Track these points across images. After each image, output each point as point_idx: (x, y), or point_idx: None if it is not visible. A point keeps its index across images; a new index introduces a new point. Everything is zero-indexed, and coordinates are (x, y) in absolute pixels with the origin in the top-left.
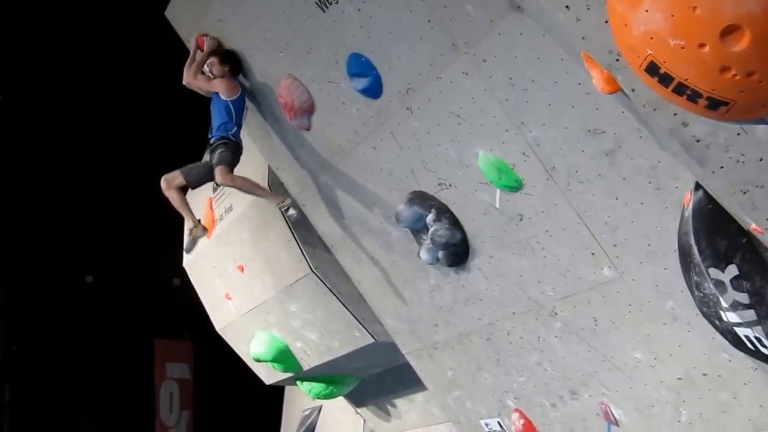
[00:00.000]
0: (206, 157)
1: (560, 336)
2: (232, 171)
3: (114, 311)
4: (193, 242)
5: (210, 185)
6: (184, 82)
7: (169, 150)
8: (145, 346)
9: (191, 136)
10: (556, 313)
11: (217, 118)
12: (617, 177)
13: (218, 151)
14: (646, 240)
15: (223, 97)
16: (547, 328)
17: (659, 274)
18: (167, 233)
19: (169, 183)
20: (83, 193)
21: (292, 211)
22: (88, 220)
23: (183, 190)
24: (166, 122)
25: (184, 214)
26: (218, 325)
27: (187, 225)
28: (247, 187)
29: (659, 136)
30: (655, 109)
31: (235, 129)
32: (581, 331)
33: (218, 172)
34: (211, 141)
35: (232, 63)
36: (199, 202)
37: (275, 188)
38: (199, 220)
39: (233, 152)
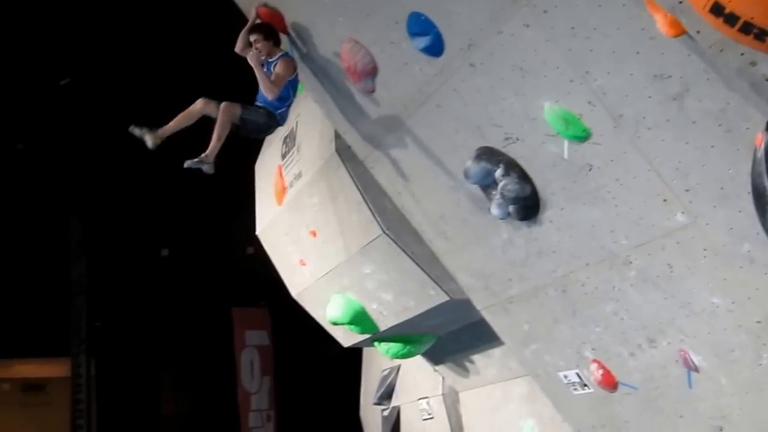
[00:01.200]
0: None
1: (635, 284)
2: (237, 116)
3: (191, 283)
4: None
5: (279, 153)
6: (236, 50)
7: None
8: (223, 315)
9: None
10: (630, 262)
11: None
12: (686, 121)
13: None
14: (718, 183)
15: (274, 68)
16: (621, 277)
17: (733, 217)
18: (239, 203)
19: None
20: (154, 168)
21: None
22: (161, 195)
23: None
24: (238, 95)
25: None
26: (294, 291)
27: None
28: (219, 129)
29: (727, 78)
30: (721, 50)
31: (284, 110)
32: (656, 278)
33: (225, 104)
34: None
35: (275, 37)
36: (269, 170)
37: (343, 152)
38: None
39: (265, 122)
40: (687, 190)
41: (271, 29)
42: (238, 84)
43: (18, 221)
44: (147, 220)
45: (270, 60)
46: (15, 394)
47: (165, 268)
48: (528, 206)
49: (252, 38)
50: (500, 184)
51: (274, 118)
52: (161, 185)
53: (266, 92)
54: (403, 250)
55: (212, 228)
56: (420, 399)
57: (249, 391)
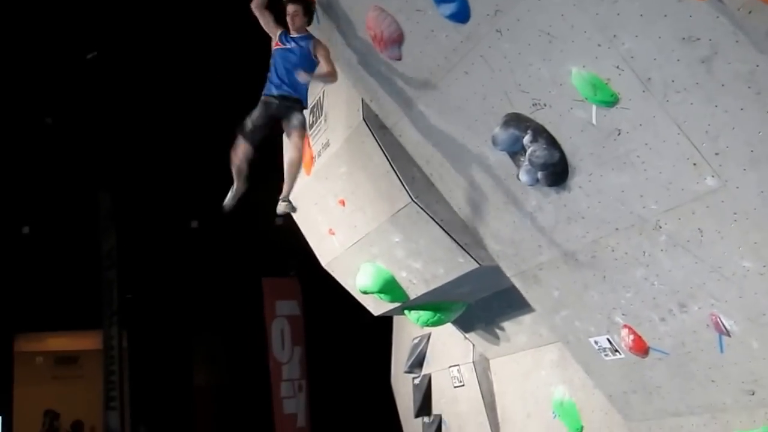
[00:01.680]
0: (261, 110)
1: (666, 249)
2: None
3: (220, 254)
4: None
5: (306, 122)
6: (252, 6)
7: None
8: (253, 285)
9: None
10: (660, 227)
11: (290, 71)
12: (715, 84)
13: (295, 113)
14: (748, 146)
15: (318, 55)
16: (651, 242)
17: (764, 180)
18: (267, 174)
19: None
20: (182, 140)
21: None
22: (189, 167)
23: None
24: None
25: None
26: (324, 261)
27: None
28: (292, 168)
29: (756, 40)
30: (750, 12)
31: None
32: (687, 243)
33: (297, 135)
34: (277, 95)
35: (311, 14)
36: None
37: (370, 120)
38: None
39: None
40: (717, 154)
41: (311, 4)
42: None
43: (48, 196)
44: (176, 192)
45: (294, 36)
46: (48, 367)
47: (195, 239)
48: (556, 172)
49: (291, 8)
50: (528, 151)
51: (300, 103)
52: (190, 157)
53: (329, 78)
54: (432, 218)
55: (241, 199)
56: (451, 367)
57: (280, 361)
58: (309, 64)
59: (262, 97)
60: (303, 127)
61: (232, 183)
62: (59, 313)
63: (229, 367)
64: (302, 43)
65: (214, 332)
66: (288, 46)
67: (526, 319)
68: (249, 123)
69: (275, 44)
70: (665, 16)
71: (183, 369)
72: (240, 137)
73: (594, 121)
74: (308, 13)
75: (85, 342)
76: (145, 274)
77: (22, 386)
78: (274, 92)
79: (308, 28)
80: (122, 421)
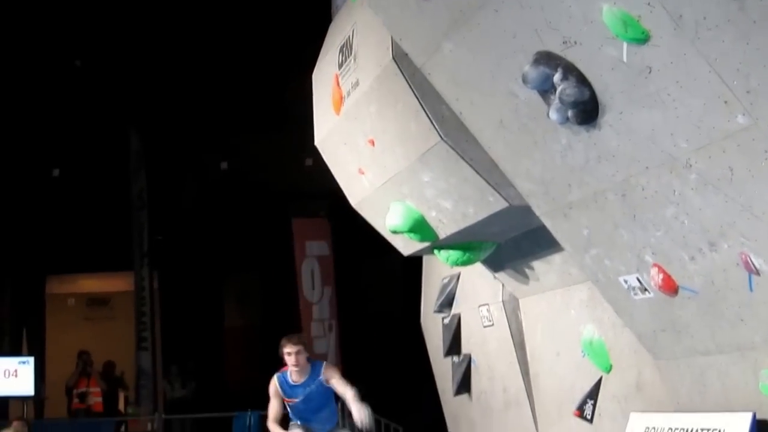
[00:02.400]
0: None
1: (696, 188)
2: None
3: (250, 195)
4: None
5: (336, 62)
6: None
7: (291, 37)
8: (283, 226)
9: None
10: (690, 165)
11: (327, 417)
12: (747, 21)
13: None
14: None
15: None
16: (682, 180)
17: None
18: (296, 114)
19: None
20: (212, 80)
21: None
22: (219, 107)
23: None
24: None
25: None
26: (353, 201)
27: None
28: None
29: None
30: None
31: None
32: (717, 181)
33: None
34: None
35: (309, 345)
36: (326, 79)
37: (400, 59)
38: None
39: None
40: (748, 92)
41: (305, 340)
42: None
43: (77, 138)
44: (206, 132)
45: (303, 381)
46: (80, 308)
47: (224, 180)
48: (587, 110)
49: (293, 348)
50: (559, 89)
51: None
52: (219, 97)
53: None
54: (462, 157)
55: (270, 140)
56: (480, 306)
57: (310, 301)
58: (328, 396)
59: None
60: None
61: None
62: (90, 255)
63: (259, 308)
64: (315, 382)
65: (245, 273)
66: (303, 395)
67: (556, 258)
68: None
69: (287, 400)
70: None
71: (214, 310)
72: None
73: (625, 59)
74: (308, 349)
75: (117, 283)
76: (175, 215)
77: (54, 328)
78: None
79: None
80: (154, 362)
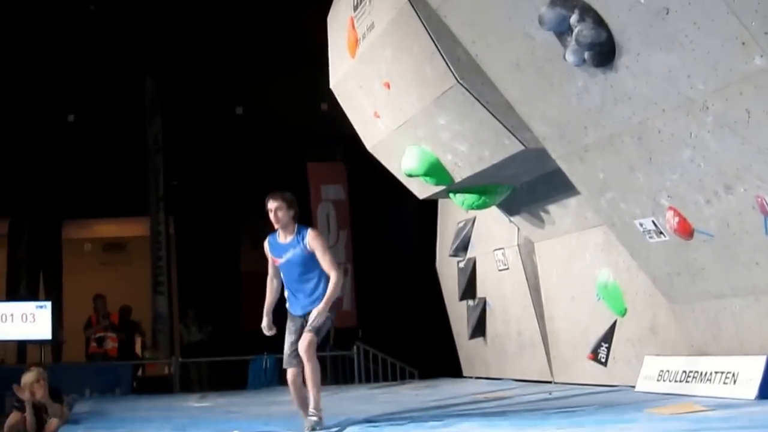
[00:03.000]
0: (291, 325)
1: (712, 130)
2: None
3: (266, 139)
4: None
5: (351, 4)
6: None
7: None
8: (299, 170)
9: None
10: (707, 107)
11: (309, 286)
12: None
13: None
14: None
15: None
16: (698, 123)
17: None
18: (311, 59)
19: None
20: (226, 25)
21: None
22: (234, 52)
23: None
24: None
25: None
26: (369, 144)
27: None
28: (313, 376)
29: None
30: None
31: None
32: (734, 124)
33: (309, 340)
34: (302, 314)
35: (296, 207)
36: (341, 22)
37: (416, 1)
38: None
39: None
40: (766, 33)
41: (292, 199)
42: None
43: (92, 83)
44: (221, 77)
45: (288, 241)
46: (97, 253)
47: (240, 125)
48: (603, 52)
49: (272, 204)
50: (575, 30)
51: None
52: (235, 42)
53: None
54: (478, 100)
55: (286, 84)
56: (495, 250)
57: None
58: (312, 268)
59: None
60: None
61: (278, 71)
62: (106, 200)
63: None
64: (298, 246)
65: (261, 217)
66: (286, 257)
67: (572, 202)
68: (288, 349)
69: (274, 261)
70: None
71: (230, 254)
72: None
73: (642, 0)
74: (292, 208)
75: (133, 228)
76: (191, 159)
77: (71, 273)
78: (300, 313)
79: None
80: (170, 306)
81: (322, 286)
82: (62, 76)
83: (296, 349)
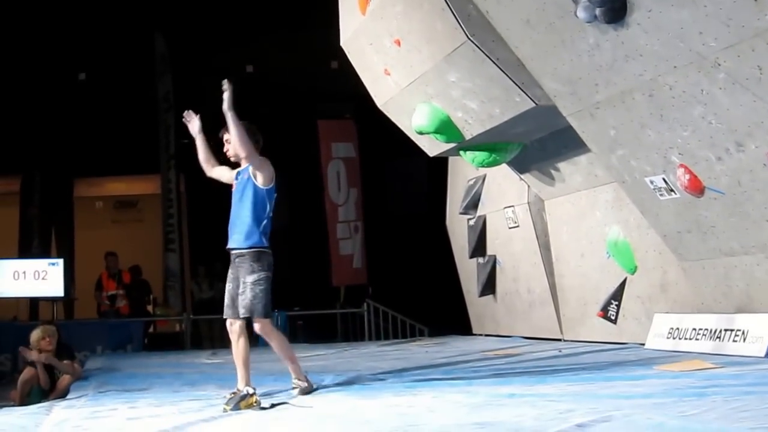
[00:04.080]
0: (228, 277)
1: (724, 87)
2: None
3: (276, 97)
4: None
5: None
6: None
7: None
8: (309, 128)
9: None
10: (719, 64)
11: (243, 218)
12: None
13: (249, 289)
14: None
15: (259, 184)
16: (710, 79)
17: None
18: (321, 16)
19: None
20: None
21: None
22: (244, 10)
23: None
24: None
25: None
26: (379, 102)
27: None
28: (282, 350)
29: None
30: None
31: (261, 236)
32: (746, 80)
33: (258, 327)
34: (234, 254)
35: (256, 135)
36: None
37: None
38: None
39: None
40: None
41: (249, 126)
42: None
43: (102, 41)
44: (231, 35)
45: (241, 170)
46: (108, 211)
47: (250, 83)
48: (615, 8)
49: (225, 135)
50: None
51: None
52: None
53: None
54: (488, 57)
55: (296, 42)
56: (506, 208)
57: (336, 202)
58: (246, 198)
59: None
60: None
61: (288, 29)
62: (117, 158)
63: (285, 210)
64: (245, 171)
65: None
66: (236, 184)
67: (582, 159)
68: (226, 297)
69: (232, 185)
70: None
71: None
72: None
73: None
74: (250, 135)
75: (144, 186)
76: (201, 116)
77: (83, 230)
78: (230, 245)
79: None
80: (181, 263)
81: (251, 231)
82: (73, 35)
83: (233, 300)
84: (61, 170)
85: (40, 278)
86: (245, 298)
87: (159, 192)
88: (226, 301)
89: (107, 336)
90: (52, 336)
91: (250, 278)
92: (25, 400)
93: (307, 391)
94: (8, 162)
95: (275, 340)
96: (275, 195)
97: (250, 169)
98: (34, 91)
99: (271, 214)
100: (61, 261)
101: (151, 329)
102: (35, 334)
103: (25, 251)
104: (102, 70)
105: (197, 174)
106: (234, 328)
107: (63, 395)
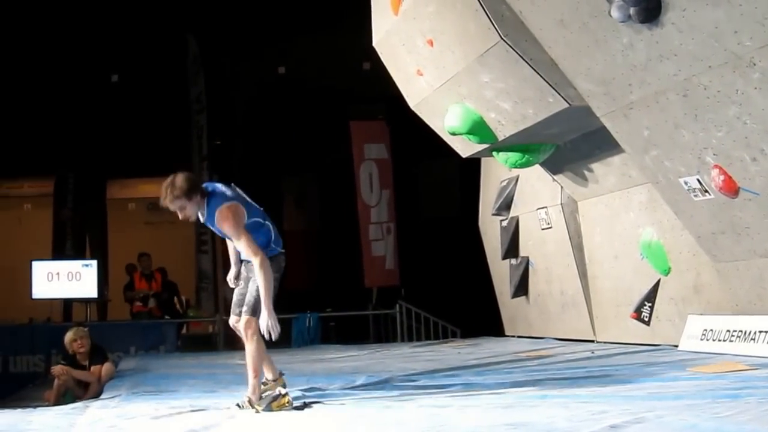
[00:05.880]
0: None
1: (759, 87)
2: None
3: (308, 98)
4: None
5: None
6: None
7: None
8: (341, 129)
9: None
10: (754, 64)
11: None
12: None
13: (255, 288)
14: None
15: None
16: (745, 79)
17: None
18: (353, 17)
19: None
20: None
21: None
22: (276, 11)
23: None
24: None
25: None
26: (412, 103)
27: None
28: (254, 359)
29: None
30: None
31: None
32: None
33: (244, 321)
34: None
35: (192, 190)
36: None
37: None
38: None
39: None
40: None
41: (183, 186)
42: None
43: (136, 44)
44: (263, 37)
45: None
46: (140, 212)
47: (282, 84)
48: (649, 8)
49: (171, 207)
50: None
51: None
52: (276, 1)
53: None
54: (522, 57)
55: (328, 44)
56: (539, 209)
57: (368, 204)
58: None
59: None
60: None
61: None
62: (150, 160)
63: (317, 211)
64: (213, 225)
65: (303, 177)
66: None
67: (616, 160)
68: (234, 296)
69: None
70: None
71: (273, 213)
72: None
73: None
74: (183, 194)
75: None
76: (233, 118)
77: (116, 232)
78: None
79: None
80: (214, 265)
81: (263, 243)
82: (106, 37)
83: (240, 300)
84: (94, 172)
85: (74, 279)
86: (249, 294)
87: None
88: (234, 299)
89: (140, 337)
90: (84, 338)
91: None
92: (60, 400)
93: (252, 406)
94: (42, 164)
95: (254, 344)
96: (258, 220)
97: (220, 227)
98: (67, 93)
99: (268, 230)
100: (94, 262)
101: (183, 330)
102: (69, 336)
103: (59, 253)
104: (135, 71)
105: (230, 176)
106: (238, 326)
107: (97, 395)
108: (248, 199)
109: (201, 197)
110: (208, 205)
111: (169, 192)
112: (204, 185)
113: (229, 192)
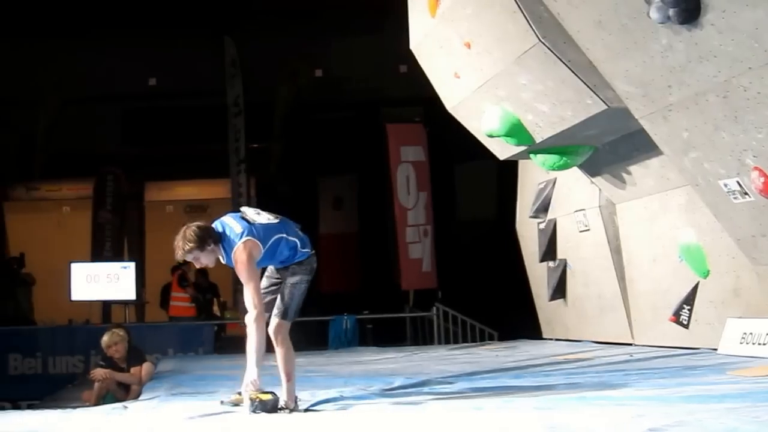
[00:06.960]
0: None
1: None
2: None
3: (345, 101)
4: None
5: None
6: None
7: None
8: (378, 132)
9: None
10: None
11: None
12: None
13: (288, 290)
14: None
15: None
16: None
17: None
18: (391, 22)
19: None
20: None
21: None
22: (312, 14)
23: None
24: None
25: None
26: (449, 105)
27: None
28: (285, 362)
29: None
30: None
31: (294, 258)
32: None
33: (274, 325)
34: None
35: (204, 239)
36: None
37: None
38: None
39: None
40: None
41: (194, 238)
42: None
43: (173, 47)
44: (301, 40)
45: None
46: (179, 215)
47: (318, 86)
48: (688, 9)
49: (189, 258)
50: None
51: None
52: (314, 4)
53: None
54: (560, 59)
55: (365, 47)
56: (576, 211)
57: (405, 206)
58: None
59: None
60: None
61: (358, 34)
62: (188, 163)
63: (354, 214)
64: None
65: (340, 180)
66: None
67: (654, 162)
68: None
69: None
70: None
71: (309, 216)
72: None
73: None
74: (201, 245)
75: (214, 190)
76: (271, 121)
77: (153, 234)
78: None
79: None
80: None
81: (290, 254)
82: (143, 40)
83: (271, 300)
84: (133, 174)
85: (113, 281)
86: (283, 297)
87: (229, 196)
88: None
89: (178, 339)
90: (119, 343)
91: (291, 280)
92: (100, 402)
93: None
94: (81, 166)
95: (284, 348)
96: (278, 236)
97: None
98: (106, 96)
99: (292, 243)
100: (132, 264)
101: (222, 333)
102: (105, 340)
103: (98, 255)
104: (172, 74)
105: (267, 178)
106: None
107: (137, 397)
108: (260, 214)
109: (215, 243)
110: (224, 249)
111: (181, 246)
112: (214, 225)
113: (239, 227)
